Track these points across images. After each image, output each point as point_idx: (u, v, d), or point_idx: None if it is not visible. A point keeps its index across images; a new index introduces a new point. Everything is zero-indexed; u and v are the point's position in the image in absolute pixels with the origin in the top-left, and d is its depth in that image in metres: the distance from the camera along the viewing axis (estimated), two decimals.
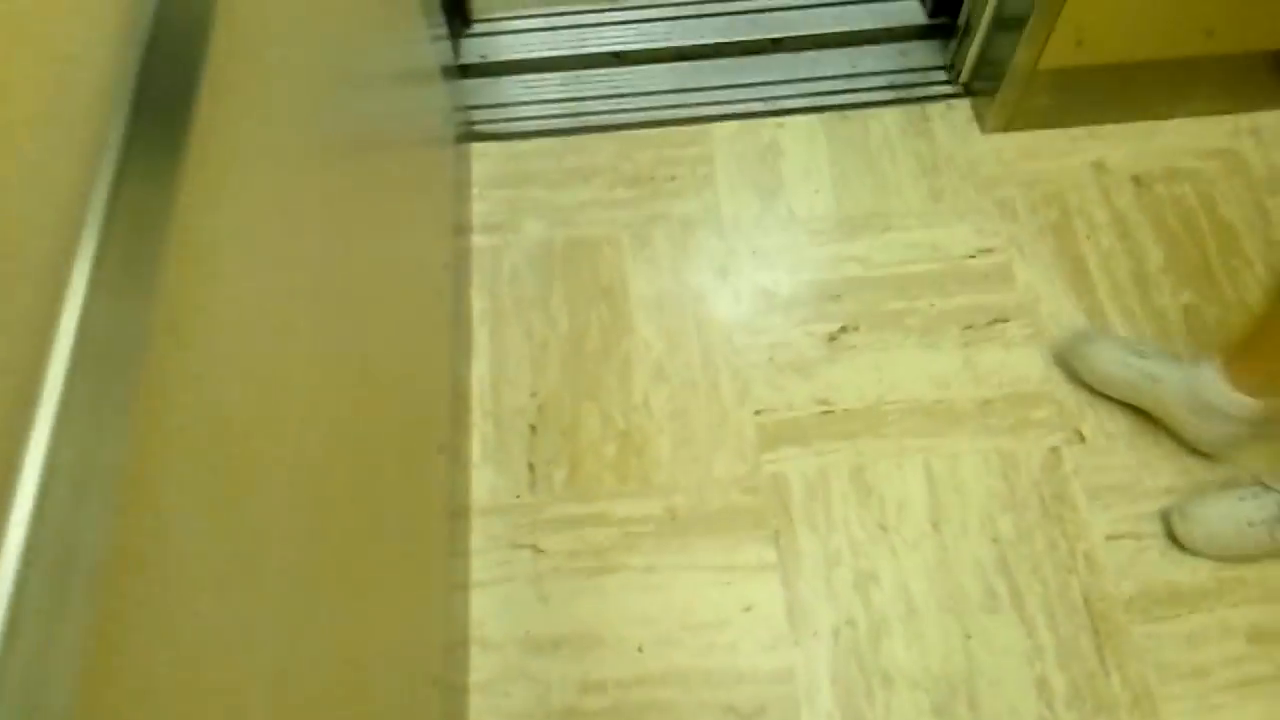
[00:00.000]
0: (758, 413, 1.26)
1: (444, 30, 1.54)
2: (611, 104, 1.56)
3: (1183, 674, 1.09)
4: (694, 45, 1.61)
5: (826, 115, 1.52)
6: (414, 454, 1.02)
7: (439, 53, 1.42)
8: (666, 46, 1.61)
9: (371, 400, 0.88)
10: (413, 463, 1.01)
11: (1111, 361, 1.21)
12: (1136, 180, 1.44)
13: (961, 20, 1.50)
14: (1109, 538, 1.16)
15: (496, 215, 1.44)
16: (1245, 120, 1.49)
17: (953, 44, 1.55)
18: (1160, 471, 1.20)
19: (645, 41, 1.61)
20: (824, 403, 1.27)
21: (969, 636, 1.12)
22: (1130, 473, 1.20)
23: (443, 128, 1.40)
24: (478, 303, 1.36)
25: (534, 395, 1.28)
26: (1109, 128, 1.48)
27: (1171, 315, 1.31)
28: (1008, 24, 1.37)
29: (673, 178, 1.47)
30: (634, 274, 1.38)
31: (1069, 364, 1.26)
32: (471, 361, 1.31)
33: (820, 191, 1.44)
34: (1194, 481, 1.19)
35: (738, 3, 1.64)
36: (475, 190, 1.47)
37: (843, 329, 1.32)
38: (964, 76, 1.52)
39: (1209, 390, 1.11)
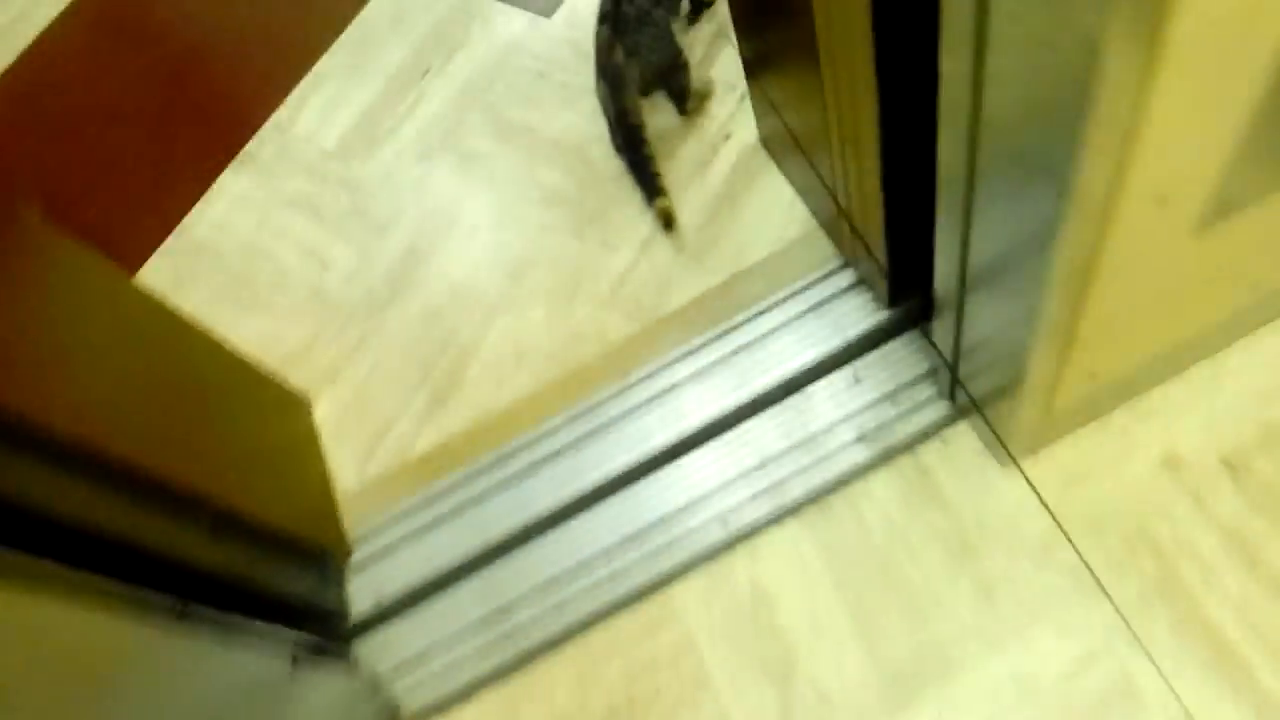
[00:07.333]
0: None
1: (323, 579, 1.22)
2: (547, 600, 1.22)
3: None
4: (629, 466, 1.26)
5: (803, 514, 1.18)
6: None
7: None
8: (598, 482, 1.26)
9: None
10: None
11: None
12: (1228, 465, 1.07)
13: (941, 291, 1.04)
14: None
15: None
16: None
17: (931, 333, 1.19)
18: None
19: (574, 483, 1.26)
20: None
21: None
22: None
23: None
24: None
25: None
26: (1156, 396, 1.12)
27: None
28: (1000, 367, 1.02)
29: (656, 691, 1.13)
30: None
31: None
32: None
33: (843, 645, 1.09)
34: None
35: (658, 403, 1.30)
36: None
37: None
38: (961, 376, 1.16)
39: None
